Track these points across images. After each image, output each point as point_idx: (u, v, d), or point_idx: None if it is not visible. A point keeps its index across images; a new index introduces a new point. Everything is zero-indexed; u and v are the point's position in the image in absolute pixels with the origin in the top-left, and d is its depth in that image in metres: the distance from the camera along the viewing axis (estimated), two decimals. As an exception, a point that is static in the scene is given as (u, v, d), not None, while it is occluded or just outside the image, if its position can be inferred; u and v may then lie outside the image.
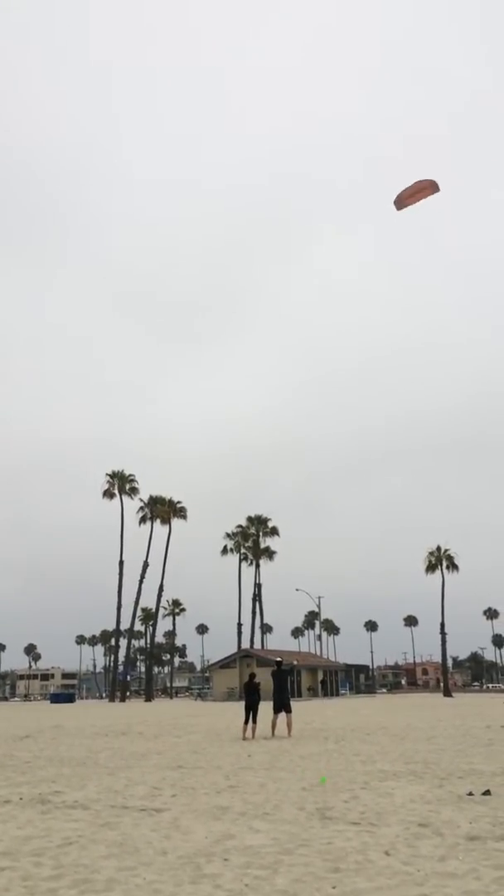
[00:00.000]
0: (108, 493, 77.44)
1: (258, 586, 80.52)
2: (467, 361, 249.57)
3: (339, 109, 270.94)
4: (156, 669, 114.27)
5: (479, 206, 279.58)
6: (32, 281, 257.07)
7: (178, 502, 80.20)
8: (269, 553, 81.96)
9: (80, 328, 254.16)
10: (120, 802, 8.81)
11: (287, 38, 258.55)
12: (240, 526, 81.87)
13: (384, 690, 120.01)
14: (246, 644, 74.56)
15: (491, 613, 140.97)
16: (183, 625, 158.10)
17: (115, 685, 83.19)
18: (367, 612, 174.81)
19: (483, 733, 18.94)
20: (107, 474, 78.05)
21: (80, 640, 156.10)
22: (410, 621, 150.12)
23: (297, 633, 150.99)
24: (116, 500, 77.24)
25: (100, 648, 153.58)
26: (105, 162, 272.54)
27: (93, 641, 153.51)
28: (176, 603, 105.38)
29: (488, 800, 8.50)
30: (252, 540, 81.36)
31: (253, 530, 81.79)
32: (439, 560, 78.72)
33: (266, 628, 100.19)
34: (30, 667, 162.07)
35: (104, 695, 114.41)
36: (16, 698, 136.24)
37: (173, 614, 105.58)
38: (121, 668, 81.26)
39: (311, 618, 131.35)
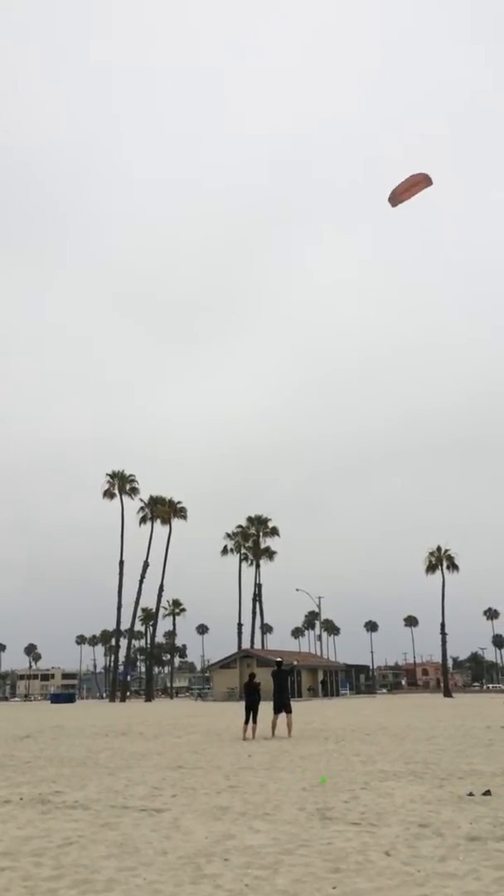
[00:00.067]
0: (108, 494, 77.47)
1: (258, 586, 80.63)
2: (467, 361, 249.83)
3: (339, 109, 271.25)
4: (156, 669, 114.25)
5: (478, 205, 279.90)
6: (32, 281, 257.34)
7: (179, 502, 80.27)
8: (270, 553, 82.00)
9: (80, 328, 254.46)
10: (120, 802, 8.81)
11: (287, 38, 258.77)
12: (240, 526, 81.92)
13: (384, 691, 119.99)
14: (246, 644, 74.58)
15: (491, 614, 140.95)
16: (183, 625, 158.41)
17: (116, 685, 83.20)
18: (367, 612, 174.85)
19: (483, 734, 18.94)
20: (107, 474, 78.14)
21: (81, 640, 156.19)
22: (410, 621, 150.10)
23: (297, 633, 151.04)
24: (117, 500, 77.33)
25: (100, 648, 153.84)
26: (105, 162, 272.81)
27: (93, 641, 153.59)
28: (176, 603, 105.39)
29: (489, 800, 8.50)
30: (252, 540, 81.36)
31: (253, 530, 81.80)
32: (439, 560, 78.70)
33: (266, 628, 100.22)
34: (30, 667, 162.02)
35: (104, 695, 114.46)
36: (16, 698, 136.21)
37: (173, 614, 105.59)
38: (121, 668, 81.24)
39: (312, 618, 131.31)
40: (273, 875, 5.52)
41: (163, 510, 78.55)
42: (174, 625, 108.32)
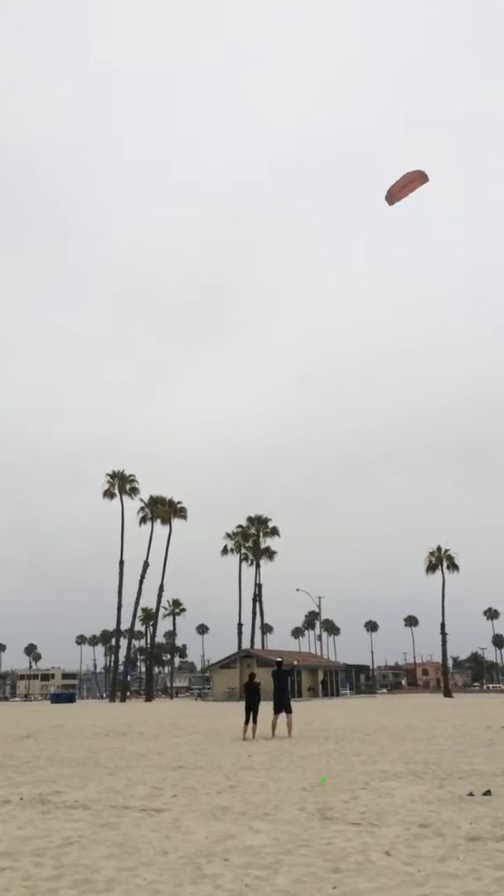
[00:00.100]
0: (108, 494, 77.48)
1: (258, 586, 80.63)
2: (467, 361, 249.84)
3: (339, 109, 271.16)
4: (156, 669, 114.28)
5: (478, 205, 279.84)
6: (32, 281, 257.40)
7: (179, 502, 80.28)
8: (270, 553, 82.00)
9: (80, 328, 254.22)
10: (120, 802, 8.81)
11: (287, 39, 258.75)
12: (240, 526, 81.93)
13: (384, 691, 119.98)
14: (246, 644, 74.58)
15: (491, 614, 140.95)
16: (183, 625, 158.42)
17: (116, 685, 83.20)
18: (367, 612, 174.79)
19: (483, 734, 18.94)
20: (107, 474, 78.15)
21: (81, 640, 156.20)
22: (411, 621, 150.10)
23: (297, 633, 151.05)
24: (117, 500, 77.34)
25: (100, 648, 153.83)
26: (105, 162, 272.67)
27: (93, 641, 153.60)
28: (176, 603, 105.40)
29: (489, 800, 8.50)
30: (252, 540, 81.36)
31: (253, 530, 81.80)
32: (440, 560, 78.70)
33: (266, 628, 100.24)
34: (30, 667, 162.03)
35: (104, 695, 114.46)
36: (16, 698, 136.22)
37: (173, 614, 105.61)
38: (121, 668, 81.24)
39: (312, 618, 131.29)
40: (273, 875, 5.52)
41: (163, 510, 78.56)
42: (174, 625, 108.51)
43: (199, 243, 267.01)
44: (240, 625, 77.94)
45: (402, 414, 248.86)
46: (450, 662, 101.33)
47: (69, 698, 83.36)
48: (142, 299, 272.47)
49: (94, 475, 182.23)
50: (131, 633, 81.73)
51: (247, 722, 18.14)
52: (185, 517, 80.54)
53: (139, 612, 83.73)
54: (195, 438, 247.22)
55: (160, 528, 78.42)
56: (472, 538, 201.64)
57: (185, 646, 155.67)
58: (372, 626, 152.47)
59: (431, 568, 78.94)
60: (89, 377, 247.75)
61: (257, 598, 79.81)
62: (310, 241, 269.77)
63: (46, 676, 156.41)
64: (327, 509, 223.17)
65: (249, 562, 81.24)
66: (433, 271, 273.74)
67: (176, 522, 79.50)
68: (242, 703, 19.69)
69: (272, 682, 18.70)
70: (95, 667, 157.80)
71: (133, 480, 78.36)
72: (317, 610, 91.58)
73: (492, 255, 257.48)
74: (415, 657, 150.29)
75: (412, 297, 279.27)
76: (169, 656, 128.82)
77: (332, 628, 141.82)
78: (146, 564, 75.14)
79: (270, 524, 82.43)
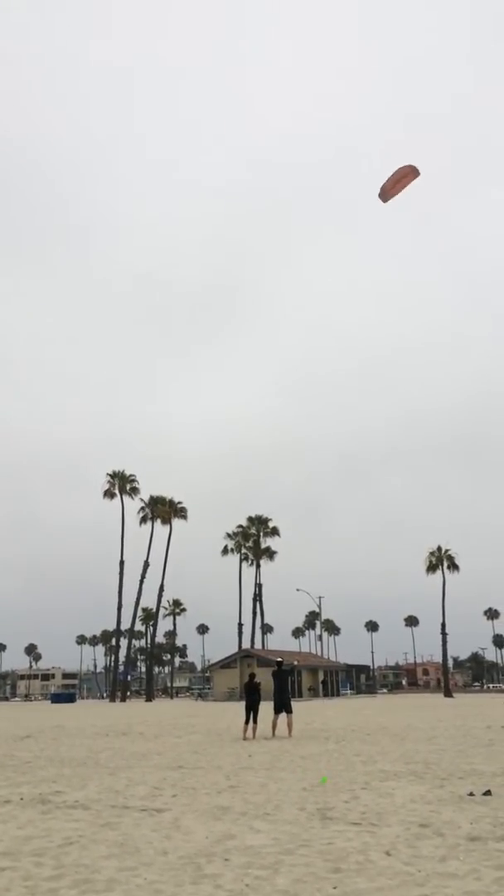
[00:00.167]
0: (108, 493, 77.50)
1: (259, 586, 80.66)
2: (467, 361, 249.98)
3: (339, 109, 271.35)
4: (156, 669, 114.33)
5: (478, 205, 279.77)
6: (32, 280, 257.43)
7: (179, 502, 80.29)
8: (270, 553, 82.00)
9: (80, 328, 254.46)
10: (121, 802, 8.81)
11: (287, 39, 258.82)
12: (240, 526, 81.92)
13: (385, 691, 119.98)
14: (246, 644, 74.58)
15: (492, 613, 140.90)
16: (183, 625, 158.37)
17: (116, 685, 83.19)
18: (367, 612, 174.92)
19: (484, 734, 18.93)
20: (107, 474, 78.17)
21: (81, 640, 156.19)
22: (411, 621, 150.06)
23: (297, 633, 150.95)
24: (117, 499, 77.37)
25: (100, 648, 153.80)
26: (105, 162, 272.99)
27: (93, 641, 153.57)
28: (176, 603, 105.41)
29: (489, 800, 8.50)
30: (252, 540, 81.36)
31: (253, 530, 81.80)
32: (440, 560, 78.68)
33: (267, 628, 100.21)
34: (30, 667, 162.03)
35: (105, 695, 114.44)
36: (16, 698, 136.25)
37: (174, 614, 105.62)
38: (121, 668, 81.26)
39: (312, 618, 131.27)
40: (273, 875, 5.51)
41: (163, 510, 78.56)
42: (174, 625, 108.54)
43: (198, 243, 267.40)
44: (240, 625, 78.01)
45: (402, 414, 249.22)
46: (450, 662, 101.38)
47: (69, 698, 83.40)
48: (142, 299, 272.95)
49: (95, 475, 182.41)
50: (131, 633, 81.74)
51: (247, 722, 18.14)
52: (185, 517, 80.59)
53: (139, 612, 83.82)
54: (195, 438, 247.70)
55: (160, 528, 78.58)
56: (472, 538, 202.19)
57: (185, 646, 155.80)
58: (372, 626, 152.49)
59: (432, 568, 78.92)
60: (89, 377, 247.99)
61: (257, 597, 79.88)
62: (309, 241, 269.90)
63: (47, 676, 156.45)
64: (327, 509, 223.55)
65: (250, 562, 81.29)
66: (433, 271, 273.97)
67: (176, 522, 79.64)
68: (243, 703, 19.69)
69: (272, 682, 18.70)
70: (96, 667, 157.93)
71: (133, 480, 78.42)
72: (317, 610, 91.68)
73: (492, 255, 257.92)
74: (415, 657, 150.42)
75: (412, 297, 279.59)
76: (169, 656, 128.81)
77: (332, 628, 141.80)
78: (146, 564, 75.24)
79: (270, 524, 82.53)
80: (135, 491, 78.19)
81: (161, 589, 77.42)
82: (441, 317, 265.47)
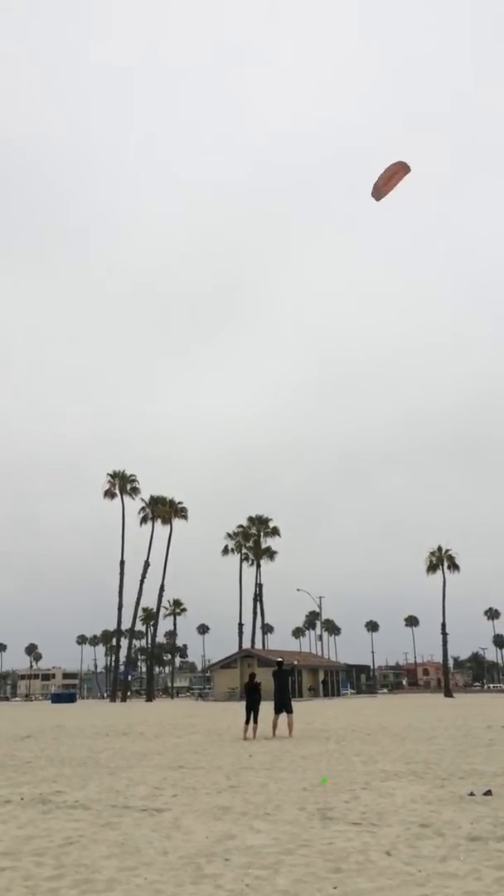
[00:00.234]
0: (109, 493, 77.52)
1: (259, 586, 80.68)
2: (467, 361, 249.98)
3: (339, 109, 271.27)
4: (157, 669, 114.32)
5: (478, 204, 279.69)
6: (33, 280, 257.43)
7: (179, 502, 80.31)
8: (270, 553, 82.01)
9: (80, 328, 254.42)
10: (121, 802, 8.81)
11: (287, 39, 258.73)
12: (241, 526, 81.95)
13: (385, 691, 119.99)
14: (247, 644, 74.59)
15: (492, 613, 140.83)
16: (184, 625, 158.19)
17: (116, 685, 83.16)
18: (367, 612, 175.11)
19: (484, 734, 18.93)
20: (108, 474, 78.19)
21: (82, 639, 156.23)
22: (411, 621, 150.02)
23: (298, 633, 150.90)
24: (117, 499, 77.39)
25: (101, 648, 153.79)
26: (105, 162, 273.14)
27: (94, 641, 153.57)
28: (177, 603, 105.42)
29: (489, 800, 8.50)
30: (253, 540, 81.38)
31: (254, 530, 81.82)
32: (440, 560, 78.68)
33: (267, 628, 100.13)
34: (31, 667, 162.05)
35: (105, 695, 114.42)
36: (17, 698, 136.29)
37: (174, 614, 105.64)
38: (122, 668, 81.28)
39: (312, 618, 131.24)
40: (274, 875, 5.51)
41: (163, 510, 78.57)
42: (175, 625, 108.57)
43: (198, 243, 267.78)
44: (240, 625, 78.02)
45: (402, 414, 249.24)
46: (450, 662, 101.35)
47: (70, 698, 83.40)
48: (142, 299, 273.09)
49: (95, 475, 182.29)
50: (132, 633, 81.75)
51: (247, 722, 18.13)
52: (185, 517, 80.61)
53: (140, 612, 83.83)
54: (195, 438, 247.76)
55: (161, 528, 78.61)
56: (472, 538, 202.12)
57: (185, 646, 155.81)
58: (372, 626, 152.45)
59: (432, 568, 78.93)
60: (89, 377, 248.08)
61: (258, 597, 79.90)
62: (310, 241, 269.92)
63: (47, 676, 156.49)
64: (327, 509, 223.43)
65: (250, 562, 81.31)
66: (433, 271, 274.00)
67: (176, 522, 79.68)
68: (243, 703, 19.68)
69: (273, 682, 18.69)
70: (96, 667, 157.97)
71: (134, 480, 78.44)
72: (317, 610, 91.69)
73: (491, 255, 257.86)
74: (415, 657, 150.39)
75: (412, 297, 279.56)
76: (169, 656, 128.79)
77: (332, 628, 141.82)
78: (147, 564, 75.25)
79: (271, 524, 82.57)
80: (135, 491, 78.25)
81: (161, 589, 77.53)
82: (441, 317, 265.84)
